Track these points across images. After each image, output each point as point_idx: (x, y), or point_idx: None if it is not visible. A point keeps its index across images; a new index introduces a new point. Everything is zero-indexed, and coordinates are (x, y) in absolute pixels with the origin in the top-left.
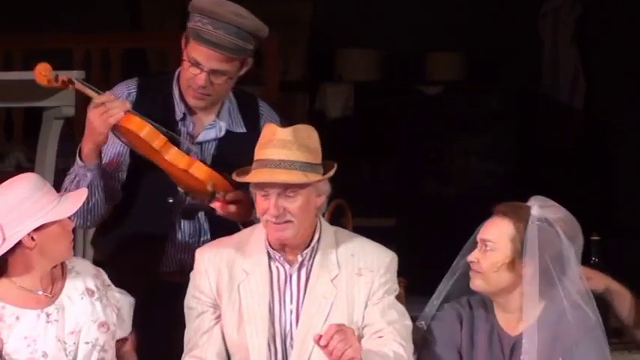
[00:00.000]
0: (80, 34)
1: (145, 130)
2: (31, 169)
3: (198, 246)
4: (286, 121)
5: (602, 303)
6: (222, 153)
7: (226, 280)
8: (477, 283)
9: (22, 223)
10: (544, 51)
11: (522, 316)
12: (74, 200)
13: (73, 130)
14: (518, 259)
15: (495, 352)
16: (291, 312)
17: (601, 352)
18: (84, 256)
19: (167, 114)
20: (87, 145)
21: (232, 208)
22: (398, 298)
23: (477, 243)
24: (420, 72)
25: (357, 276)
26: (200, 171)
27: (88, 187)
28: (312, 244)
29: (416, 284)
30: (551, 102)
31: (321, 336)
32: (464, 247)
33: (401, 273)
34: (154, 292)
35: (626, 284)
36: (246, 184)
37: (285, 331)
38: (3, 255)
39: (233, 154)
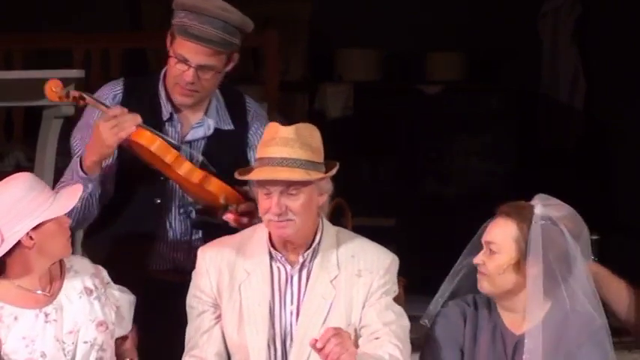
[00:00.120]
0: (80, 34)
1: (155, 144)
2: (31, 168)
3: (191, 244)
4: (286, 121)
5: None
6: (211, 151)
7: (227, 280)
8: (483, 286)
9: (20, 222)
10: (544, 51)
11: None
12: (70, 196)
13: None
14: (524, 259)
15: (498, 350)
16: (291, 313)
17: (604, 356)
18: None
19: (154, 114)
20: (91, 158)
21: (244, 219)
22: (397, 297)
23: (481, 244)
24: (419, 72)
25: (357, 277)
26: (213, 185)
27: (89, 197)
28: (314, 245)
29: (416, 284)
30: (551, 102)
31: (317, 340)
32: (467, 247)
33: (401, 273)
34: (148, 292)
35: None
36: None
37: (285, 331)
38: (1, 256)
39: (222, 151)
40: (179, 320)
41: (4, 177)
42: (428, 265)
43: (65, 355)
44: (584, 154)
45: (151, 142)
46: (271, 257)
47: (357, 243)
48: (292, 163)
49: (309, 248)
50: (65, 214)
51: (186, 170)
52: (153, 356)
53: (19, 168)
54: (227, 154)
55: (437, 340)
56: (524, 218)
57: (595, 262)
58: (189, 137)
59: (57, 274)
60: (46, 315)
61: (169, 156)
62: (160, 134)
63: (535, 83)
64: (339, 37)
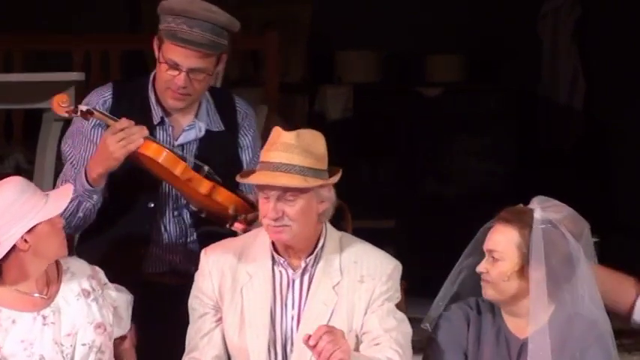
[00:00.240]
0: (80, 36)
1: (163, 156)
2: (31, 171)
3: (186, 246)
4: (286, 123)
5: None
6: (203, 153)
7: (229, 283)
8: (488, 293)
9: (15, 226)
10: (544, 51)
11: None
12: (62, 197)
13: None
14: (527, 265)
15: (502, 354)
16: (292, 318)
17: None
18: None
19: (144, 119)
20: (97, 170)
21: (253, 228)
22: (399, 303)
23: (481, 247)
24: (419, 73)
25: (359, 283)
26: (222, 195)
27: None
28: (316, 251)
29: (416, 285)
30: (551, 102)
31: (310, 336)
32: (466, 249)
33: (401, 274)
34: (145, 295)
35: None
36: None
37: (285, 336)
38: None
39: (214, 153)
40: (177, 322)
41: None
42: (428, 266)
43: (64, 358)
44: (584, 154)
45: (158, 154)
46: (274, 261)
47: (360, 249)
48: (290, 169)
49: (311, 253)
50: (58, 215)
51: (196, 181)
52: (152, 358)
53: (18, 170)
54: (219, 155)
55: (440, 344)
56: (524, 224)
57: (598, 265)
58: (180, 140)
59: (54, 277)
60: (44, 318)
61: (178, 168)
62: (166, 146)
63: (535, 83)
64: (339, 38)
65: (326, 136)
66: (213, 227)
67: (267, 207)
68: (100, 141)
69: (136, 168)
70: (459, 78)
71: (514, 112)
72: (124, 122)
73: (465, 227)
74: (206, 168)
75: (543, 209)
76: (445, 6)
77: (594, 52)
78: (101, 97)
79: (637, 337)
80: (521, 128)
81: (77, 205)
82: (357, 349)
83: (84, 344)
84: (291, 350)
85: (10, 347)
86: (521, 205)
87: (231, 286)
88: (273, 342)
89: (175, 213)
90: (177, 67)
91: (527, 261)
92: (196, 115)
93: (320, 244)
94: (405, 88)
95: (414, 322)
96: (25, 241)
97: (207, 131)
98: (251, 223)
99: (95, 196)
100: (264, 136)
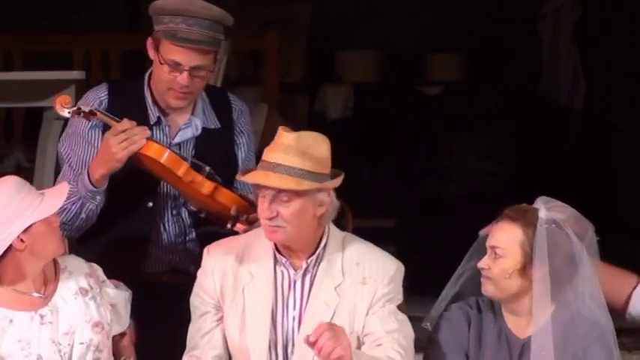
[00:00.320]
0: (80, 35)
1: (165, 156)
2: (32, 170)
3: (185, 245)
4: (287, 122)
5: None
6: (200, 151)
7: (231, 283)
8: (488, 289)
9: (11, 225)
10: (544, 51)
11: (532, 319)
12: (57, 195)
13: None
14: (529, 264)
15: (503, 354)
16: (293, 318)
17: (610, 359)
18: None
19: (141, 119)
20: (100, 172)
21: (255, 227)
22: (401, 305)
23: (484, 247)
24: (419, 73)
25: (361, 285)
26: (224, 196)
27: (94, 208)
28: (318, 251)
29: (416, 284)
30: (551, 102)
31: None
32: (470, 250)
33: (403, 276)
34: (145, 294)
35: None
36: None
37: (286, 337)
38: None
39: (211, 150)
40: (177, 321)
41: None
42: (428, 266)
43: (61, 357)
44: (584, 154)
45: (160, 154)
46: (276, 261)
47: (362, 250)
48: (285, 171)
49: (313, 254)
50: (54, 214)
51: (198, 182)
52: (152, 357)
53: (19, 169)
54: (215, 153)
55: (441, 344)
56: (529, 222)
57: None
58: (177, 139)
59: (51, 276)
60: (42, 317)
61: (181, 169)
62: (168, 146)
63: (535, 84)
64: (339, 38)
65: (326, 135)
66: (213, 226)
67: (262, 206)
68: (99, 142)
69: (135, 168)
70: (459, 78)
71: (514, 112)
72: (126, 123)
73: (465, 227)
74: (207, 168)
75: (548, 209)
76: (445, 6)
77: (594, 52)
78: (97, 99)
79: (637, 336)
80: (521, 128)
81: (80, 206)
82: (347, 340)
83: (82, 343)
84: (292, 351)
85: (8, 347)
86: (525, 204)
87: (233, 286)
88: (274, 342)
89: (174, 212)
90: (180, 66)
91: (529, 260)
92: (192, 113)
93: (322, 245)
94: (405, 88)
95: (414, 321)
96: (22, 240)
97: (204, 129)
98: (252, 223)
99: (98, 197)
100: (264, 135)
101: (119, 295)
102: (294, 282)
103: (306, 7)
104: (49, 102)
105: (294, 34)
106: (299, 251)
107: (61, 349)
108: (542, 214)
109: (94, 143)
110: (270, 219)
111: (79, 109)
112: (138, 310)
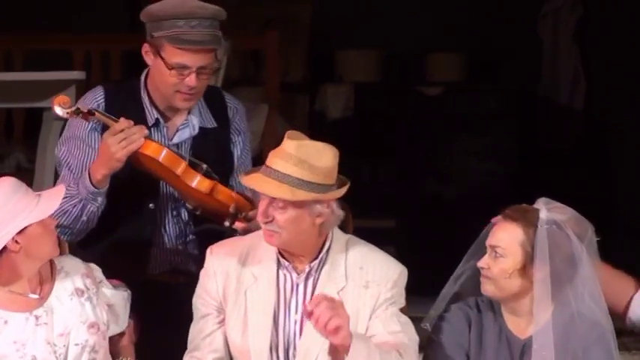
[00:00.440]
0: (80, 35)
1: (163, 155)
2: (32, 170)
3: (186, 245)
4: (287, 122)
5: None
6: (197, 150)
7: (234, 285)
8: (487, 289)
9: (6, 227)
10: (544, 51)
11: (532, 319)
12: (54, 197)
13: None
14: (529, 264)
15: (504, 354)
16: (295, 322)
17: (610, 359)
18: None
19: (139, 120)
20: (100, 172)
21: (253, 225)
22: (403, 308)
23: (484, 247)
24: (420, 73)
25: (364, 289)
26: (223, 194)
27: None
28: (321, 255)
29: (416, 284)
30: (551, 102)
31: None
32: (469, 250)
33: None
34: (146, 295)
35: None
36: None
37: (288, 340)
38: None
39: (208, 150)
40: (178, 321)
41: None
42: (428, 266)
43: (57, 358)
44: (584, 154)
45: (158, 153)
46: (279, 264)
47: (366, 253)
48: (281, 178)
49: (316, 258)
50: (50, 216)
51: (197, 181)
52: (151, 356)
53: (19, 169)
54: (212, 151)
55: (441, 346)
56: (529, 223)
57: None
58: (175, 139)
59: (47, 276)
60: (37, 318)
61: (180, 168)
62: (166, 145)
63: (535, 83)
64: (340, 38)
65: (326, 135)
66: (212, 225)
67: (261, 209)
68: (98, 144)
69: (136, 170)
70: (459, 78)
71: (514, 112)
72: (124, 123)
73: (465, 227)
74: (204, 166)
75: (549, 210)
76: (445, 6)
77: (595, 52)
78: (94, 100)
79: (637, 336)
80: (521, 128)
81: (81, 208)
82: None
83: (77, 344)
84: (294, 355)
85: (2, 348)
86: (525, 204)
87: (236, 288)
88: (275, 346)
89: (174, 213)
90: (187, 69)
91: (529, 260)
92: (190, 113)
93: (325, 249)
94: (405, 88)
95: (414, 321)
96: (17, 242)
97: (201, 129)
98: (250, 221)
99: (100, 199)
100: (264, 135)
101: (117, 295)
102: (297, 285)
103: (306, 7)
104: (49, 102)
105: (294, 33)
106: (301, 255)
107: (57, 350)
108: (543, 214)
109: (93, 146)
110: (266, 223)
111: (78, 109)
112: (138, 310)
